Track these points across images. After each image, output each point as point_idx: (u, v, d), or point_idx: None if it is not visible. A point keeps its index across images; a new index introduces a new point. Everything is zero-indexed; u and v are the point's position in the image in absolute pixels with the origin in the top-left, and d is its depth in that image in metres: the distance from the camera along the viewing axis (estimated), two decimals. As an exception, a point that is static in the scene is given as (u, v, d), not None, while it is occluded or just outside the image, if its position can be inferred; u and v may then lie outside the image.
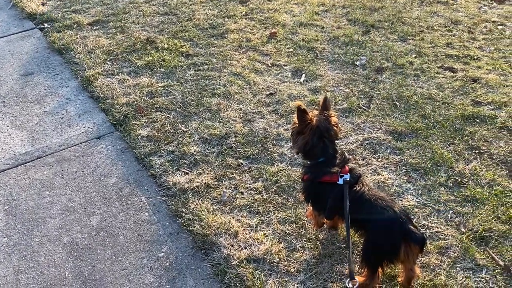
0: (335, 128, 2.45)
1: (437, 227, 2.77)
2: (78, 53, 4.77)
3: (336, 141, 2.49)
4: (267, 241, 2.73)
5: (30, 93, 4.27)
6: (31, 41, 5.16)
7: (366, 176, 3.11)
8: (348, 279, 2.18)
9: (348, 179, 2.34)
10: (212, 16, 5.45)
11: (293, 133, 2.50)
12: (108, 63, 4.60)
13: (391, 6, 5.76)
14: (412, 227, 2.25)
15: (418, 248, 2.24)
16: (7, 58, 4.83)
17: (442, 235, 2.72)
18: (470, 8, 5.68)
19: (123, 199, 3.10)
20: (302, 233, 2.76)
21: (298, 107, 2.40)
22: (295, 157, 3.30)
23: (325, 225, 2.75)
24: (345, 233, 2.35)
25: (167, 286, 2.54)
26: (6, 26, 5.50)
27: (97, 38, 5.00)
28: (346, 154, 2.50)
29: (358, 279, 2.38)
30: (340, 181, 2.34)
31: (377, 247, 2.29)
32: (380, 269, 2.34)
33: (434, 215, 2.86)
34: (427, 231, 2.74)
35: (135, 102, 3.98)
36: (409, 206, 2.91)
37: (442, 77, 4.30)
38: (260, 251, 2.66)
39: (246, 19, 5.45)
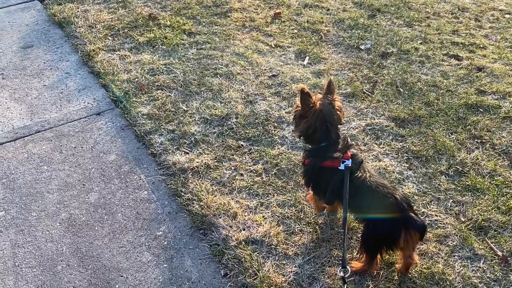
0: (338, 112, 2.39)
1: (437, 216, 2.76)
2: (79, 27, 4.68)
3: (339, 126, 2.45)
4: (266, 223, 2.72)
5: (30, 66, 4.20)
6: (31, 13, 5.07)
7: (368, 162, 3.09)
8: (340, 267, 2.16)
9: (350, 165, 2.30)
10: (216, -6, 5.36)
11: (296, 116, 2.45)
12: (109, 38, 4.52)
13: (398, -10, 5.67)
14: (413, 215, 2.24)
15: (418, 236, 2.24)
16: (7, 30, 4.74)
17: (441, 224, 2.71)
18: (478, -5, 5.60)
19: (122, 176, 3.08)
20: (301, 216, 2.75)
21: (301, 90, 2.34)
22: (296, 140, 3.27)
23: (325, 209, 2.74)
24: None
25: (165, 265, 2.53)
26: (6, -4, 5.40)
27: (98, 13, 4.91)
28: (349, 140, 2.44)
29: (356, 265, 2.39)
30: (342, 167, 2.30)
31: (377, 234, 2.28)
32: (378, 256, 2.34)
33: (434, 203, 2.85)
34: (427, 219, 2.74)
35: (136, 79, 3.92)
36: (409, 194, 2.89)
37: (447, 65, 4.25)
38: (259, 233, 2.65)
39: (250, -2, 5.36)
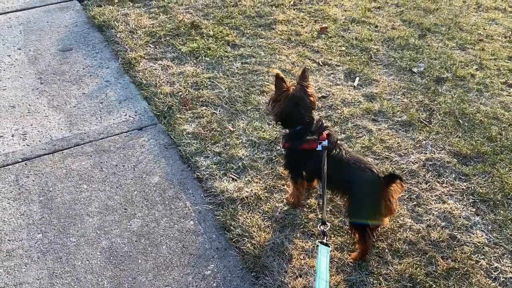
0: (311, 98, 2.51)
1: (511, 273, 2.52)
2: (119, 31, 4.50)
3: (312, 110, 2.54)
4: (323, 268, 2.49)
5: (68, 71, 4.03)
6: (70, 13, 4.90)
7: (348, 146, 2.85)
8: (320, 224, 2.24)
9: (327, 145, 2.44)
10: (259, 4, 5.14)
11: (270, 100, 2.59)
12: (151, 46, 4.33)
13: (446, 8, 5.41)
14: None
15: (400, 185, 2.36)
16: (46, 30, 4.58)
17: (517, 283, 2.47)
18: (536, 19, 5.31)
19: (167, 202, 2.88)
20: (363, 265, 2.52)
21: (276, 75, 2.48)
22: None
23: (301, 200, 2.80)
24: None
25: (214, 310, 2.33)
26: (44, -6, 5.25)
27: (139, 17, 4.73)
28: (324, 121, 2.57)
29: (353, 254, 2.53)
30: (319, 148, 2.44)
31: (361, 207, 2.39)
32: (368, 231, 2.42)
33: (507, 257, 2.60)
34: (500, 275, 2.49)
35: (180, 93, 3.73)
36: (478, 244, 2.65)
37: (506, 95, 3.98)
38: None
39: (294, 9, 5.14)
